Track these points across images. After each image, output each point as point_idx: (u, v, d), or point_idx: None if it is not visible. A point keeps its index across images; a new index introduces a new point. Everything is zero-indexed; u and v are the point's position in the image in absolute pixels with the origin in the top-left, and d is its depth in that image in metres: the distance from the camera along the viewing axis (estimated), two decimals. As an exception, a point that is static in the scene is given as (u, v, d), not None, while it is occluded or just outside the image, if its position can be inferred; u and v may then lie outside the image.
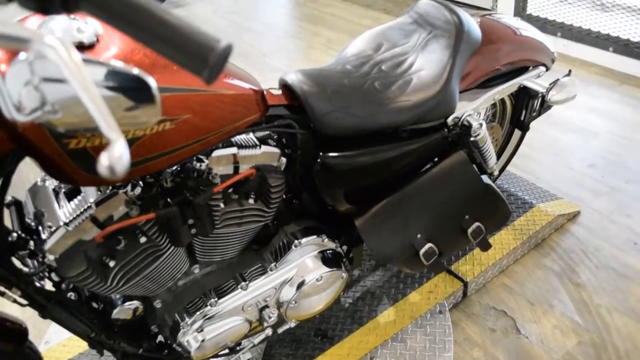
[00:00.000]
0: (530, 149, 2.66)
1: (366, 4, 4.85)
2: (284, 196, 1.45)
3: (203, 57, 0.60)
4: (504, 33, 1.66)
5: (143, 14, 0.60)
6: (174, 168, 1.15)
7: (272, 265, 1.39)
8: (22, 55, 0.67)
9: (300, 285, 1.42)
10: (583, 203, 2.30)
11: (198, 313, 1.30)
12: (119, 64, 0.71)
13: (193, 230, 1.18)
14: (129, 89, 0.71)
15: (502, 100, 1.92)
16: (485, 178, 1.54)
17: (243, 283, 1.36)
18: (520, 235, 2.04)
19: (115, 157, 0.57)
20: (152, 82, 0.71)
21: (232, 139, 1.23)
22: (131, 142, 0.95)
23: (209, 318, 1.32)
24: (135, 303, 1.27)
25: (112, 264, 1.11)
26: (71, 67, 0.59)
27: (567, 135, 2.78)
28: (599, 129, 2.81)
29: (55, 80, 0.65)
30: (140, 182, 1.11)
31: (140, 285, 1.20)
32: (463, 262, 1.94)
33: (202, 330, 1.31)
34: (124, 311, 1.26)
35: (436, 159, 1.53)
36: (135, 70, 0.70)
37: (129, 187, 1.08)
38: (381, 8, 4.70)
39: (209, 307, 1.31)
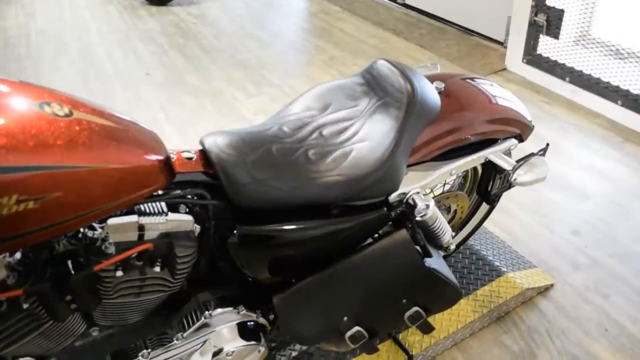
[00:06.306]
0: (512, 204, 2.50)
1: (378, 21, 4.69)
2: (201, 262, 1.34)
3: None
4: (476, 100, 1.53)
5: None
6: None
7: (179, 335, 1.27)
8: None
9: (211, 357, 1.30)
10: (559, 275, 2.14)
11: None
12: None
13: (73, 306, 1.07)
14: None
15: (475, 168, 1.77)
16: (429, 261, 1.38)
17: (144, 351, 1.25)
18: (480, 308, 1.90)
19: None
20: None
21: (135, 207, 1.12)
22: None
23: None
24: None
25: None
26: None
27: (556, 193, 2.62)
28: (591, 191, 2.63)
29: None
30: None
31: (25, 348, 1.10)
32: (412, 331, 1.80)
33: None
34: (11, 371, 1.16)
35: (375, 236, 1.39)
36: None
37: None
38: (391, 28, 4.54)
39: (103, 376, 1.20)
